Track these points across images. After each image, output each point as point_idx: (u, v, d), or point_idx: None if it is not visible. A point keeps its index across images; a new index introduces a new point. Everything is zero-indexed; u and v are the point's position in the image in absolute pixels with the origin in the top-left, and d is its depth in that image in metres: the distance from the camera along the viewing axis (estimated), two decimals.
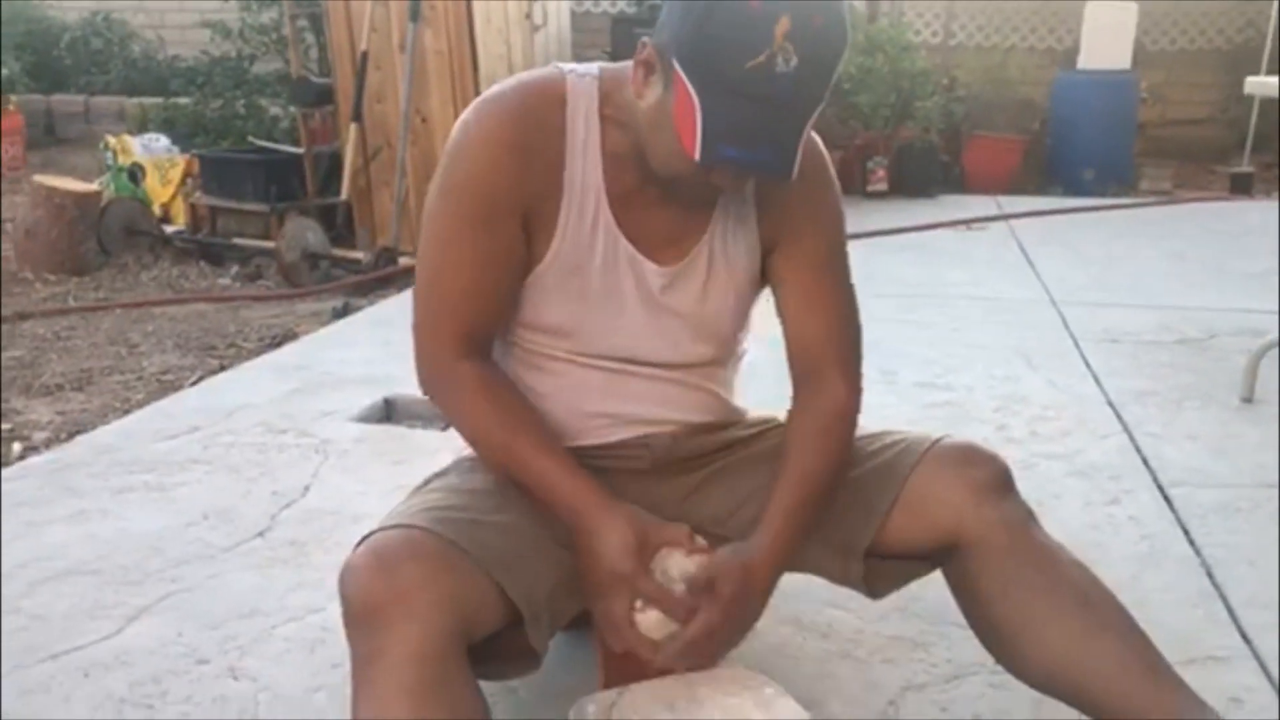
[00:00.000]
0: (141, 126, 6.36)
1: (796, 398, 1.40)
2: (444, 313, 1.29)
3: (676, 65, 1.14)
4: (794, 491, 1.32)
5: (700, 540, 1.29)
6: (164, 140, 5.64)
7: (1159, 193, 6.59)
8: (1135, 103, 6.88)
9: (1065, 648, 1.27)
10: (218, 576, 1.85)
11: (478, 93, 4.63)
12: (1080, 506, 2.10)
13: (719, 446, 1.46)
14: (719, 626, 1.25)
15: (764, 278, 1.42)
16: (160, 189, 5.26)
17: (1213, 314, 3.43)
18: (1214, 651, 1.60)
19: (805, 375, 1.40)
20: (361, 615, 1.13)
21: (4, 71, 7.25)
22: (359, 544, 1.19)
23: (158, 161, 5.30)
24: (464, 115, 1.29)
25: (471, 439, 1.30)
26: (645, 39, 1.20)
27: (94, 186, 4.66)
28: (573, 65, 1.34)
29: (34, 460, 2.39)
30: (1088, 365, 2.95)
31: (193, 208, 4.97)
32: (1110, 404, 2.65)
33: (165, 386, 3.07)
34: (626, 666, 1.47)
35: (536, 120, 1.28)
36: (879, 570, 1.39)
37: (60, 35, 8.35)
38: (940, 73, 6.67)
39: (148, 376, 3.17)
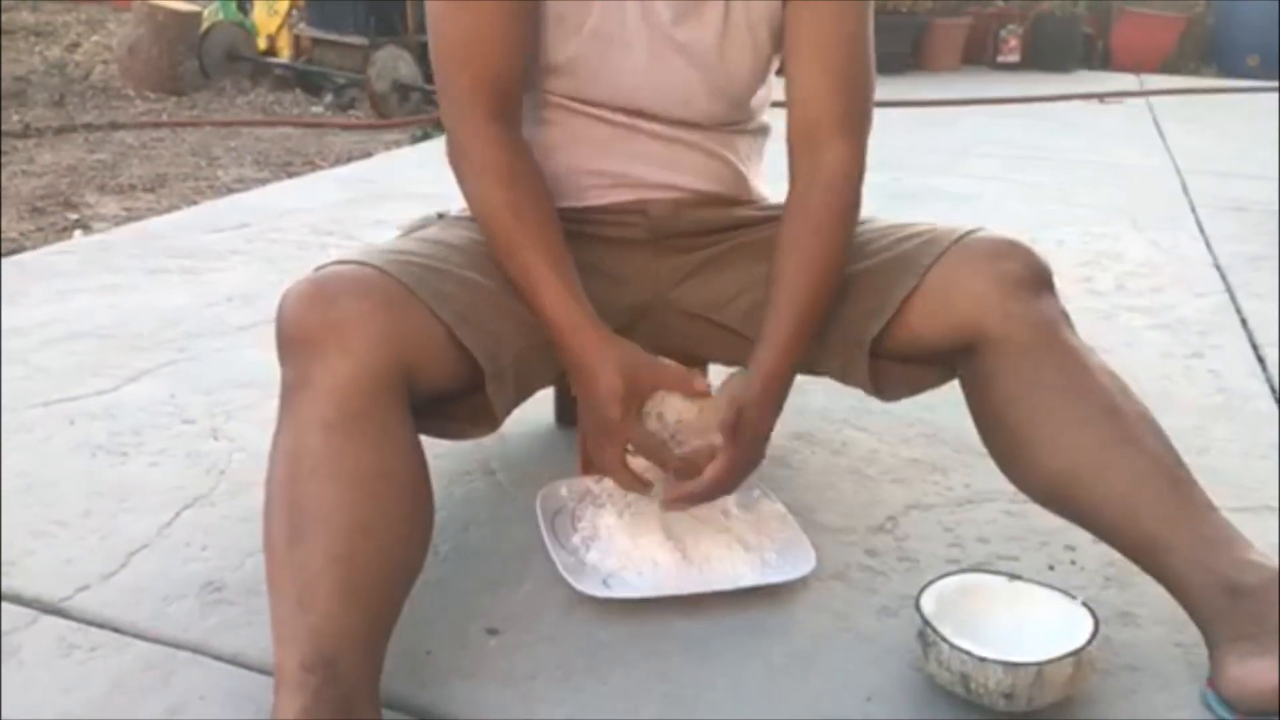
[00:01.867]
0: None
1: (794, 168, 1.24)
2: (472, 65, 1.16)
3: None
4: (795, 291, 1.17)
5: (701, 381, 1.16)
6: None
7: None
8: None
9: (1080, 456, 1.11)
10: (226, 351, 1.81)
11: None
12: (1156, 356, 1.89)
13: (726, 224, 1.32)
14: (726, 477, 1.14)
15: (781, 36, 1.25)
16: (267, 19, 5.24)
17: None
18: (1272, 501, 1.41)
19: (804, 138, 1.24)
20: (292, 343, 1.05)
21: None
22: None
23: None
24: None
25: (485, 226, 1.18)
26: None
27: (195, 7, 4.66)
28: None
29: (81, 240, 2.41)
30: (1200, 229, 2.67)
31: (296, 38, 4.95)
32: (1217, 266, 2.39)
33: (233, 193, 3.06)
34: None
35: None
36: (889, 370, 1.24)
37: None
38: None
39: (219, 184, 3.17)
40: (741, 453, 1.14)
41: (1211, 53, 6.28)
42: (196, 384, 1.68)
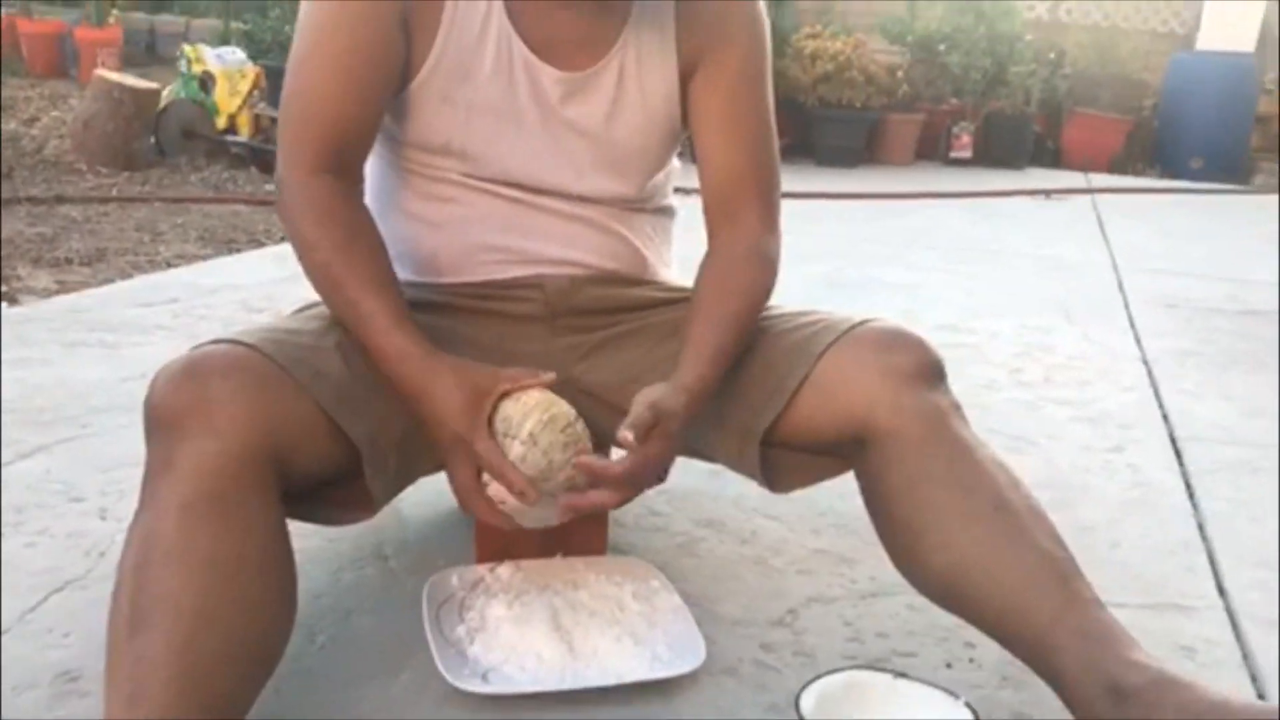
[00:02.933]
0: (224, 40, 6.42)
1: (710, 241, 1.26)
2: (306, 119, 1.17)
3: None
4: (716, 329, 1.17)
5: (547, 375, 1.13)
6: (240, 54, 5.64)
7: (1272, 189, 6.14)
8: (1255, 91, 6.43)
9: (968, 552, 1.08)
10: (131, 427, 1.75)
11: None
12: (1076, 449, 1.88)
13: (626, 304, 1.31)
14: (633, 474, 1.09)
15: (684, 114, 1.27)
16: (228, 99, 5.27)
17: None
18: (1180, 600, 1.39)
19: (719, 214, 1.26)
20: (158, 423, 1.02)
21: None
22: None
23: (229, 72, 5.32)
24: None
25: (305, 265, 1.16)
26: None
27: (153, 85, 4.68)
28: None
29: (4, 311, 2.36)
30: (1132, 324, 2.70)
31: (256, 117, 4.99)
32: (1144, 361, 2.41)
33: (172, 269, 3.03)
34: (506, 544, 1.34)
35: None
36: (783, 461, 1.23)
37: None
38: (1047, 47, 6.31)
39: (159, 260, 3.15)
40: (650, 459, 1.09)
41: (1157, 154, 6.44)
42: (94, 461, 1.63)
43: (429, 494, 1.37)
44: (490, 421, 1.10)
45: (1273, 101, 6.64)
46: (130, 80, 4.56)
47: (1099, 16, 7.25)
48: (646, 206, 1.33)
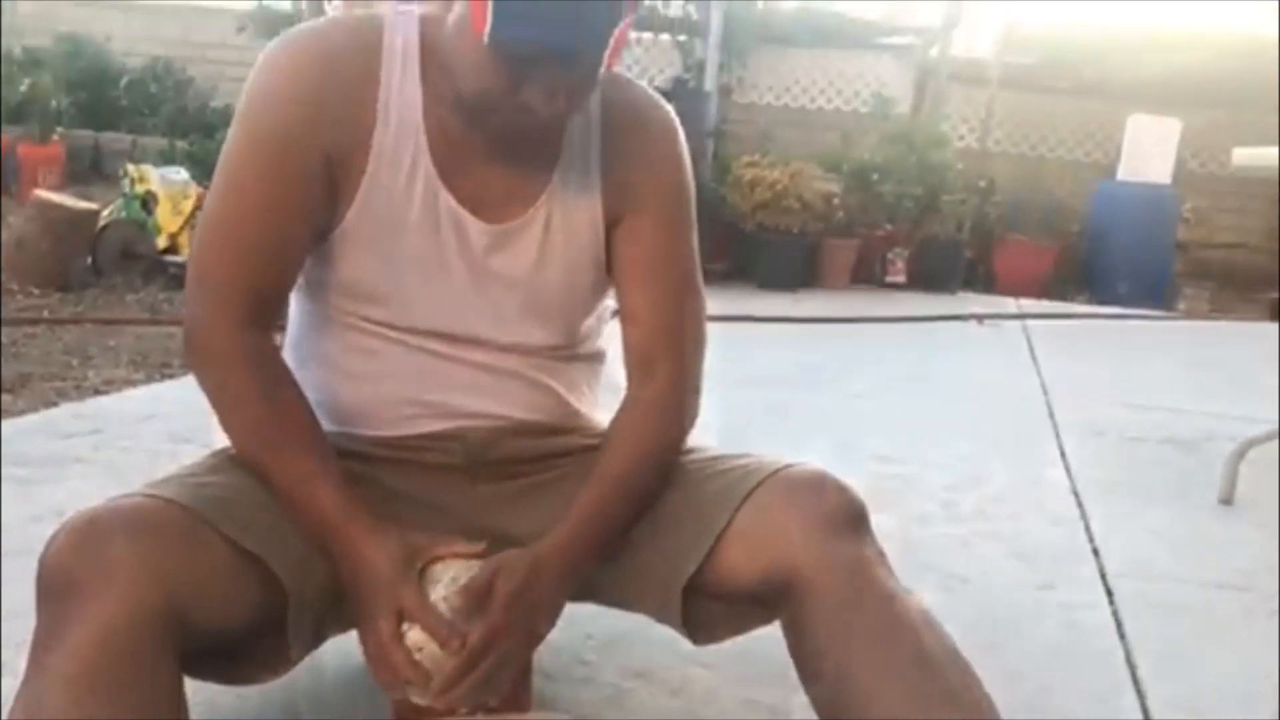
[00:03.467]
0: (169, 161, 6.43)
1: (627, 390, 1.26)
2: (222, 269, 1.15)
3: None
4: (596, 485, 1.18)
5: (478, 546, 1.12)
6: (184, 174, 5.65)
7: (1196, 316, 6.36)
8: (1175, 219, 6.72)
9: (890, 710, 1.06)
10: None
11: None
12: (1008, 587, 1.89)
13: (550, 452, 1.30)
14: (499, 634, 1.06)
15: (607, 262, 1.28)
16: (171, 218, 5.25)
17: (1214, 419, 3.20)
18: None
19: (635, 365, 1.26)
20: (50, 587, 0.98)
21: (54, 104, 7.44)
22: None
23: (172, 193, 5.32)
24: (266, 49, 1.17)
25: (227, 424, 1.14)
26: None
27: (91, 205, 4.66)
28: (397, 4, 1.23)
29: None
30: (1061, 453, 2.74)
31: None
32: (1074, 492, 2.43)
33: (100, 396, 2.97)
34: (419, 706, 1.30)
35: (345, 55, 1.15)
36: (706, 611, 1.21)
37: (120, 77, 8.59)
38: (977, 175, 6.55)
39: (86, 386, 3.08)
40: (499, 619, 1.06)
41: (1086, 278, 6.65)
42: None
43: (347, 646, 1.32)
44: (420, 575, 1.08)
45: (1191, 230, 6.94)
46: (68, 200, 4.54)
47: (1026, 147, 7.59)
48: (576, 353, 1.33)
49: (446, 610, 1.05)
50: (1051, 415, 3.15)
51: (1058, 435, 2.92)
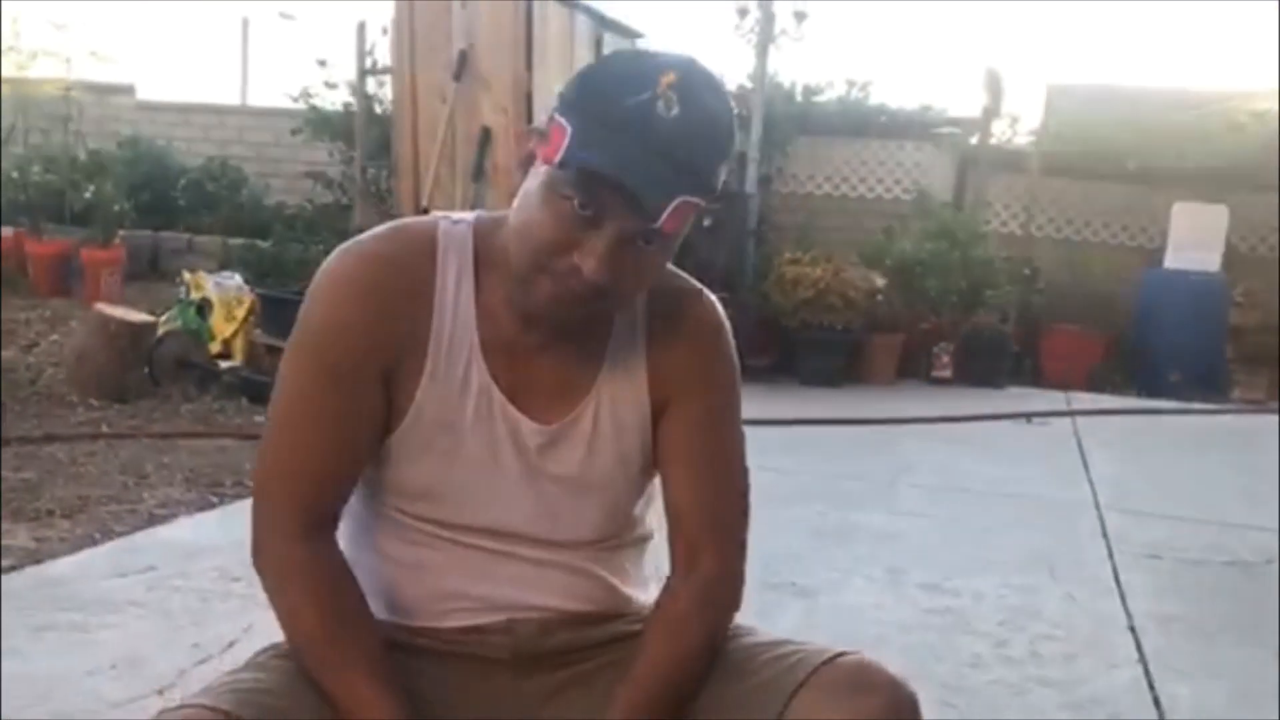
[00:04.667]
0: (224, 264, 6.61)
1: (669, 579, 1.25)
2: (286, 482, 1.17)
3: (556, 115, 1.05)
4: (642, 686, 1.17)
5: None
6: (237, 279, 5.82)
7: (1252, 401, 6.25)
8: (1226, 306, 6.63)
9: None
10: None
11: None
12: None
13: (598, 641, 1.29)
14: None
15: (654, 449, 1.29)
16: (224, 324, 5.40)
17: (1273, 536, 3.13)
18: None
19: (680, 552, 1.25)
20: None
21: (116, 208, 7.69)
22: None
23: (226, 298, 5.46)
24: (325, 263, 1.21)
25: (295, 642, 1.17)
26: (525, 128, 1.13)
27: (148, 317, 4.79)
28: (448, 214, 1.27)
29: None
30: (1117, 581, 2.69)
31: (250, 344, 5.10)
32: (1132, 629, 2.38)
33: (154, 520, 3.02)
34: None
35: (400, 269, 1.19)
36: None
37: (179, 177, 8.89)
38: (1020, 263, 6.54)
39: (142, 510, 3.13)
40: None
41: (1135, 368, 6.57)
42: None
43: None
44: None
45: (1244, 313, 6.83)
46: (127, 313, 4.67)
47: (1070, 231, 7.55)
48: (625, 540, 1.34)
49: None
50: (1104, 534, 3.09)
51: (1111, 558, 2.87)
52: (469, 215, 1.26)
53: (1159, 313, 6.52)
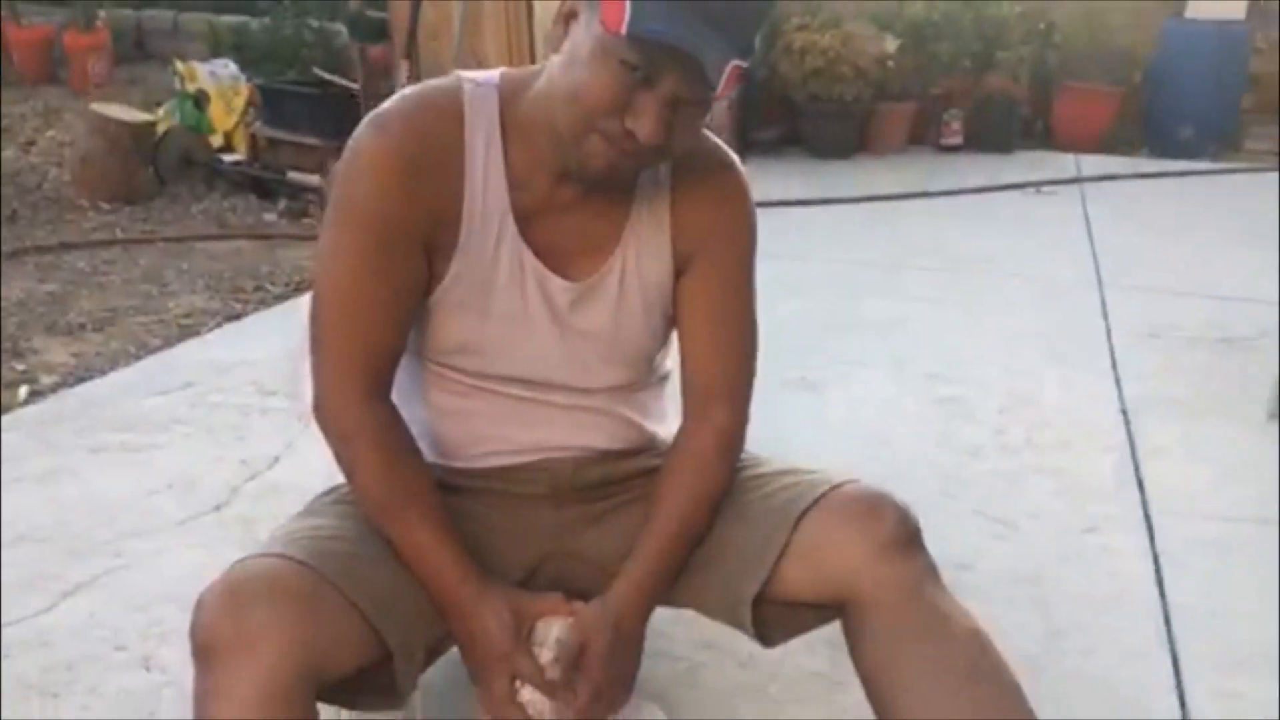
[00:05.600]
0: (215, 49, 6.41)
1: (683, 425, 1.36)
2: (345, 353, 1.24)
3: None
4: (659, 533, 1.30)
5: (577, 604, 1.26)
6: (232, 67, 5.66)
7: (1262, 153, 6.17)
8: (1246, 56, 6.42)
9: None
10: (162, 553, 1.88)
11: (532, 36, 4.58)
12: (1055, 532, 1.99)
13: (628, 475, 1.41)
14: (600, 691, 1.23)
15: (673, 303, 1.35)
16: (224, 116, 5.31)
17: (1270, 308, 3.20)
18: (1143, 714, 1.51)
19: (694, 402, 1.35)
20: (204, 652, 1.12)
21: None
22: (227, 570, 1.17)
23: (222, 89, 5.35)
24: (353, 136, 1.24)
25: (359, 495, 1.27)
26: None
27: (149, 116, 4.73)
28: (472, 74, 1.28)
29: (25, 412, 2.46)
30: (1114, 364, 2.79)
31: (252, 137, 5.04)
32: (1124, 412, 2.50)
33: (184, 331, 3.13)
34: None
35: (430, 138, 1.21)
36: (772, 616, 1.33)
37: None
38: (1036, 18, 6.29)
39: (169, 319, 3.24)
40: (599, 676, 1.22)
41: (1147, 126, 6.45)
42: (131, 599, 1.74)
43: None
44: (527, 636, 1.23)
45: (1262, 60, 6.63)
46: (126, 113, 4.61)
47: None
48: (647, 383, 1.42)
49: (557, 671, 1.19)
50: (1105, 313, 3.17)
51: (1110, 339, 2.96)
52: (493, 75, 1.27)
53: (1175, 66, 6.32)
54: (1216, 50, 6.27)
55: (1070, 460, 2.27)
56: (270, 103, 5.01)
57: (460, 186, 1.23)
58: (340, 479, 1.36)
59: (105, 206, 4.45)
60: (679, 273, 1.33)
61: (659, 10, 1.04)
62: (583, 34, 1.12)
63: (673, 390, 1.44)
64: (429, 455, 1.38)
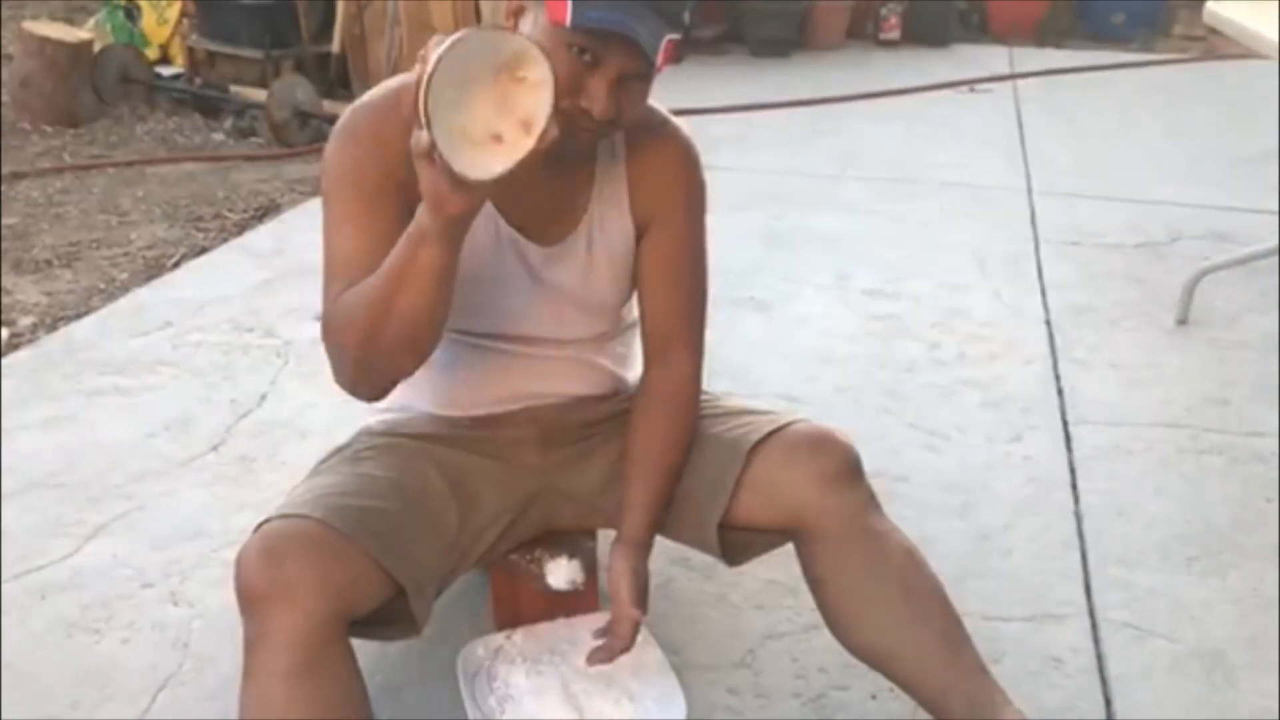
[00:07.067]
0: None
1: (646, 372, 1.54)
2: (344, 270, 1.32)
3: None
4: (649, 473, 1.49)
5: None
6: None
7: (1192, 39, 6.34)
8: None
9: (883, 632, 1.42)
10: (170, 494, 2.03)
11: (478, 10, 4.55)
12: (982, 441, 2.22)
13: (604, 416, 1.60)
14: (634, 623, 1.44)
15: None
16: (157, 28, 5.23)
17: (1185, 211, 3.43)
18: (1054, 608, 1.75)
19: (655, 350, 1.54)
20: (249, 602, 1.29)
21: None
22: (256, 528, 1.33)
23: (155, 1, 5.25)
24: (339, 121, 1.36)
25: (343, 332, 1.28)
26: None
27: (86, 35, 4.66)
28: None
29: (16, 358, 2.56)
30: (1040, 274, 3.00)
31: (190, 51, 4.98)
32: (1048, 323, 2.72)
33: (149, 265, 3.20)
34: (518, 608, 1.66)
35: (402, 114, 1.32)
36: (734, 540, 1.54)
37: None
38: None
39: (134, 252, 3.30)
40: (635, 606, 1.43)
41: (1081, 12, 6.57)
42: (148, 539, 1.90)
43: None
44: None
45: None
46: (61, 32, 4.53)
47: None
48: (616, 332, 1.60)
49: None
50: (1034, 222, 3.37)
51: (1037, 250, 3.16)
52: None
53: None
54: None
55: (997, 372, 2.48)
56: (206, 15, 4.94)
57: None
58: (342, 439, 1.52)
59: (48, 130, 4.42)
60: (639, 235, 1.49)
61: (597, 2, 1.19)
62: (531, 28, 1.26)
63: (633, 337, 1.60)
64: (424, 407, 1.55)
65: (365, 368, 1.29)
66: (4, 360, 2.54)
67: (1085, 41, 6.28)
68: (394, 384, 1.36)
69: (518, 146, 1.05)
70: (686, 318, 1.53)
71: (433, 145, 1.02)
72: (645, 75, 1.28)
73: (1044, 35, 6.30)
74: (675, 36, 1.26)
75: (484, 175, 1.04)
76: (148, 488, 2.05)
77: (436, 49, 1.01)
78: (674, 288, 1.52)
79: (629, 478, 1.49)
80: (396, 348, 1.25)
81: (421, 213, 1.14)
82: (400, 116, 1.33)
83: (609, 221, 1.47)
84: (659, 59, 1.25)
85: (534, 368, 1.53)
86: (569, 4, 1.19)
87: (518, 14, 1.29)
